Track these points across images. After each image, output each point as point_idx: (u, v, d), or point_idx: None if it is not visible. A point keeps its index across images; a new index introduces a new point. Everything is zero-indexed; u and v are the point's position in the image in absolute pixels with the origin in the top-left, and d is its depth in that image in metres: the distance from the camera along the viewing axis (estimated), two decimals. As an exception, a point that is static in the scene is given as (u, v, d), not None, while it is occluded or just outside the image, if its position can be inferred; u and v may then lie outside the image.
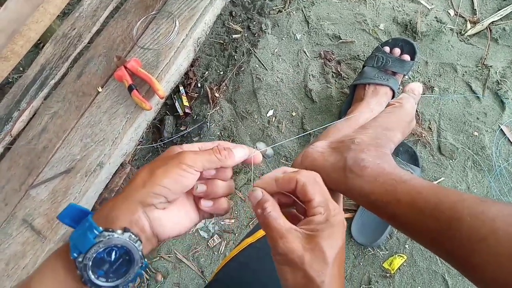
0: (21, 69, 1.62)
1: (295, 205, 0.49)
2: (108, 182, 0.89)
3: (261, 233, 0.66)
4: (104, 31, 1.06)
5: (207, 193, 0.45)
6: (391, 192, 0.58)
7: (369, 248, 1.07)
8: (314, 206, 0.43)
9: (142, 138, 1.45)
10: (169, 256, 1.17)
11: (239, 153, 0.47)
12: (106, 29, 1.06)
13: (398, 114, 0.75)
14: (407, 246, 1.06)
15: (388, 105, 0.80)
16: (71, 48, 1.06)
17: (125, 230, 0.38)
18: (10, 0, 1.10)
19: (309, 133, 1.21)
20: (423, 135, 1.13)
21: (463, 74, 1.17)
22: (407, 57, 1.08)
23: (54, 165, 0.89)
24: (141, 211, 0.40)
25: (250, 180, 1.20)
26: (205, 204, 0.46)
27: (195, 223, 0.46)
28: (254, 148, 0.51)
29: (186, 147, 0.46)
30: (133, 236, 0.38)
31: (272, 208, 0.44)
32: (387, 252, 1.06)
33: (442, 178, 1.09)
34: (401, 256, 1.04)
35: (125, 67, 0.92)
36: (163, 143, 1.39)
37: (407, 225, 0.56)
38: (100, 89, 0.95)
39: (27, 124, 0.99)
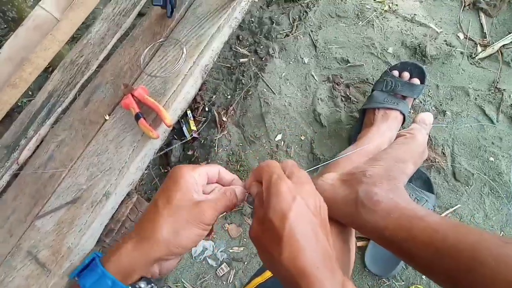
0: (30, 93, 1.63)
1: None
2: (114, 213, 0.87)
3: (269, 273, 0.63)
4: (111, 58, 1.06)
5: None
6: (406, 228, 0.55)
7: (384, 279, 1.04)
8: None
9: (149, 163, 1.44)
10: (176, 286, 1.14)
11: (239, 194, 0.49)
12: (114, 56, 1.06)
13: (410, 146, 0.73)
14: (424, 276, 1.02)
15: (399, 136, 0.78)
16: (79, 75, 1.06)
17: (148, 282, 0.42)
18: (20, 28, 1.11)
19: (319, 158, 1.19)
20: (436, 161, 1.10)
21: (476, 98, 1.15)
22: (416, 81, 1.07)
23: (60, 195, 0.87)
24: (156, 264, 0.44)
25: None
26: None
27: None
28: None
29: (197, 174, 0.47)
30: (154, 286, 0.42)
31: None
32: (403, 283, 1.02)
33: (458, 205, 1.05)
34: (417, 288, 1.00)
35: (132, 95, 0.91)
36: (170, 168, 1.38)
37: (422, 263, 0.54)
38: (107, 117, 0.94)
39: (34, 152, 0.99)
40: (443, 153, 1.12)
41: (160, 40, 1.01)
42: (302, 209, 0.40)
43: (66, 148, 0.94)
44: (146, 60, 1.00)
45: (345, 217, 0.65)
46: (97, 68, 1.09)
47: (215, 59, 1.01)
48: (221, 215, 0.54)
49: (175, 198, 0.43)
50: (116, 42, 1.11)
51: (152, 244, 0.41)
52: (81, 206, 0.84)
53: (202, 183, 0.47)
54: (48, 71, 1.62)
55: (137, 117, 0.88)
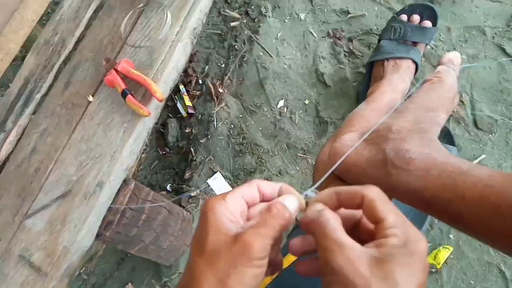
0: (10, 85, 1.52)
1: (358, 231, 0.40)
2: (111, 203, 0.79)
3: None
4: (89, 33, 0.95)
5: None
6: (451, 187, 0.47)
7: (409, 242, 0.97)
8: (387, 227, 0.33)
9: (146, 145, 1.35)
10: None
11: (292, 205, 0.38)
12: (91, 30, 0.95)
13: (439, 91, 0.64)
14: (451, 236, 0.95)
15: (425, 81, 0.69)
16: (55, 56, 0.95)
17: None
18: (-19, 9, 0.99)
19: (327, 122, 1.10)
20: (455, 110, 1.01)
21: (493, 36, 1.05)
22: (428, 23, 0.96)
23: (49, 190, 0.79)
24: None
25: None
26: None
27: None
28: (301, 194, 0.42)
29: (229, 200, 0.36)
30: None
31: (332, 217, 0.34)
32: (430, 244, 0.95)
33: (483, 156, 0.97)
34: (446, 248, 0.93)
35: (116, 70, 0.81)
36: (169, 149, 1.29)
37: (476, 226, 0.45)
38: (91, 98, 0.84)
39: (15, 146, 0.89)
40: (461, 101, 1.03)
41: (140, 5, 0.90)
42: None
43: (50, 137, 0.85)
44: (127, 30, 0.89)
45: (372, 181, 0.56)
46: (74, 46, 0.98)
47: (204, 21, 0.90)
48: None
49: (209, 241, 0.34)
50: (92, 14, 1.00)
51: None
52: (73, 199, 0.75)
53: (240, 210, 0.37)
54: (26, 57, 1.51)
55: (124, 94, 0.78)
